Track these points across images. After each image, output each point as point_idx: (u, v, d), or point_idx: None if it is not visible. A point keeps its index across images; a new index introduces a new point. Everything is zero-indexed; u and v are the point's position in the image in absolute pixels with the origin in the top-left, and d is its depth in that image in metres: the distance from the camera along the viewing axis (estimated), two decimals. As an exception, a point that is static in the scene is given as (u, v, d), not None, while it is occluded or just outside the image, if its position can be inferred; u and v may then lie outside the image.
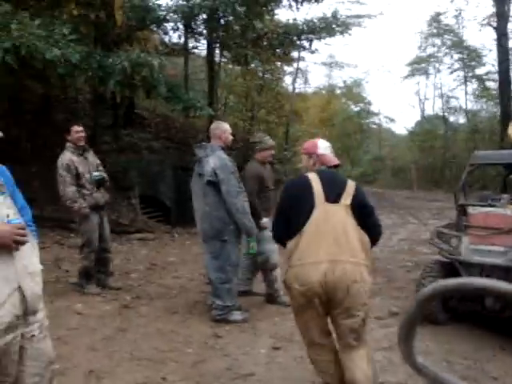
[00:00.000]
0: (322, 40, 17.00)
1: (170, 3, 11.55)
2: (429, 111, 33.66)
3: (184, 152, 13.56)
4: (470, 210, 4.30)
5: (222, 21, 11.43)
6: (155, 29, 12.15)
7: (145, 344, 4.00)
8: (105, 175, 5.52)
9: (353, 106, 32.15)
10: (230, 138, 4.75)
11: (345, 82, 31.25)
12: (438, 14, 26.72)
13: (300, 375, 3.44)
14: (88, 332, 4.24)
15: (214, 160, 4.43)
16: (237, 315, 4.58)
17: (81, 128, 5.37)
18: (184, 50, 15.14)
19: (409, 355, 0.89)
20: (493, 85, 24.45)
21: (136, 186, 10.71)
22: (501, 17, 18.71)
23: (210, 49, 14.71)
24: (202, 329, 4.39)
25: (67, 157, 5.24)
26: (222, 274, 4.51)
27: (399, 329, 0.87)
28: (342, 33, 16.27)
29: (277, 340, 4.13)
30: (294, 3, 13.49)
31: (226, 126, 4.76)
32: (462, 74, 28.12)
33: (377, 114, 35.48)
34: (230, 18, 11.12)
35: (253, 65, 16.64)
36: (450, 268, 4.33)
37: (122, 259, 7.26)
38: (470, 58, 26.32)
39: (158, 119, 15.25)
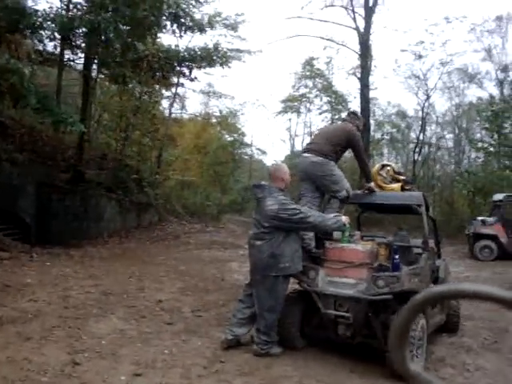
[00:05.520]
0: (201, 69, 17.45)
1: (48, 10, 11.03)
2: (298, 147, 35.62)
3: (50, 167, 12.82)
4: (327, 244, 4.68)
5: (103, 37, 11.16)
6: (29, 35, 11.48)
7: (-8, 373, 3.70)
8: None
9: (227, 136, 32.85)
10: (290, 178, 4.92)
11: (221, 111, 31.84)
12: (312, 59, 28.64)
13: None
14: None
15: (272, 202, 4.55)
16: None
17: None
18: (59, 62, 14.48)
19: (402, 363, 0.86)
20: (355, 128, 26.69)
21: (-8, 200, 9.86)
22: (364, 69, 20.75)
23: (88, 64, 14.22)
24: (58, 356, 4.16)
25: None
26: None
27: (391, 336, 0.85)
28: (221, 64, 16.87)
29: (138, 366, 4.07)
30: (177, 30, 13.68)
31: (286, 168, 4.97)
32: (329, 115, 30.35)
33: (249, 146, 36.67)
34: (112, 35, 10.92)
35: (131, 85, 16.38)
36: (309, 298, 4.65)
37: (-30, 279, 6.62)
38: (337, 101, 28.55)
39: (24, 130, 14.24)
